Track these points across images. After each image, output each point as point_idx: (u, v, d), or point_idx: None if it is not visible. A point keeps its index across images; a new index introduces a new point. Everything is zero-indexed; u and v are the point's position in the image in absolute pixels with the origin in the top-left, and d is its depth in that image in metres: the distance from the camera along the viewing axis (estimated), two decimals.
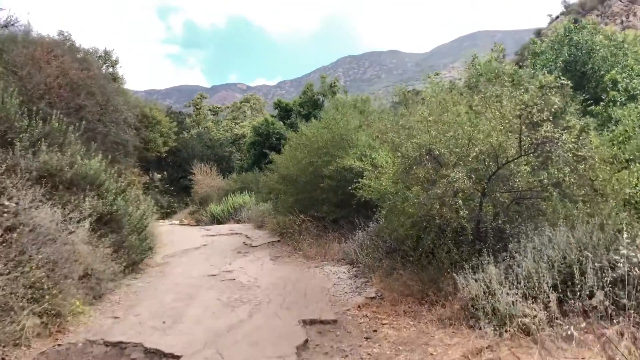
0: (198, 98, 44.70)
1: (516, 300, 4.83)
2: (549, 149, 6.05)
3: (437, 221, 6.02)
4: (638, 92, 10.68)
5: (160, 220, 26.72)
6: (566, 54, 12.21)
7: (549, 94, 6.34)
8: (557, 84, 7.97)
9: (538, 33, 48.76)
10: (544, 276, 4.90)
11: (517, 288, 4.98)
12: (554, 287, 4.83)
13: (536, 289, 4.86)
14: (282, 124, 32.18)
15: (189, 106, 44.73)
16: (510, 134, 6.23)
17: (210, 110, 48.40)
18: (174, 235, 15.79)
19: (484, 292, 5.21)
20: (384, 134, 7.30)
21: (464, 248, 6.44)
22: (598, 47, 12.41)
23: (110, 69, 17.14)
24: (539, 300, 4.79)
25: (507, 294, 4.91)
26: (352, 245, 9.08)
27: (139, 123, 17.33)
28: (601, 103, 10.64)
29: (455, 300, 5.58)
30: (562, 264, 5.12)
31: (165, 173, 36.18)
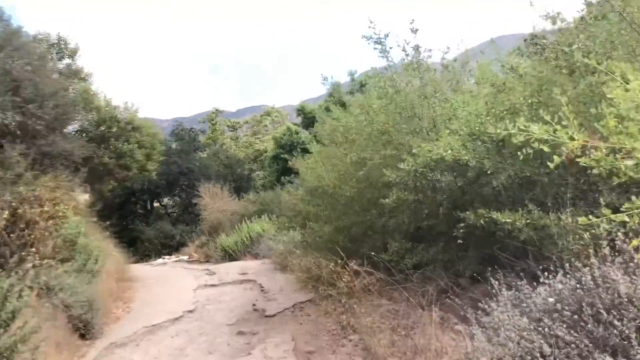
0: (213, 113, 40.00)
1: None
2: None
3: None
4: None
5: (166, 257, 21.91)
6: None
7: None
8: None
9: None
10: None
11: None
12: None
13: None
14: (307, 132, 27.15)
15: (203, 122, 40.06)
16: None
17: (228, 126, 43.71)
18: (157, 287, 10.72)
19: None
20: None
21: None
22: None
23: (67, 60, 12.43)
24: None
25: None
26: (492, 346, 3.70)
27: (104, 129, 12.32)
28: None
29: None
30: None
31: (177, 198, 31.45)
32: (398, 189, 5.75)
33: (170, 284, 11.26)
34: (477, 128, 4.99)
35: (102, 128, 12.14)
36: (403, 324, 4.94)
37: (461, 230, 5.04)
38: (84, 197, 32.32)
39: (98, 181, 14.00)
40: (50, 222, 6.37)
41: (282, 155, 25.29)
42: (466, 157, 4.70)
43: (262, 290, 9.06)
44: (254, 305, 7.84)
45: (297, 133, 28.27)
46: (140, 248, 26.29)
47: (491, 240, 5.60)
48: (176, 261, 19.91)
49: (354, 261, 7.05)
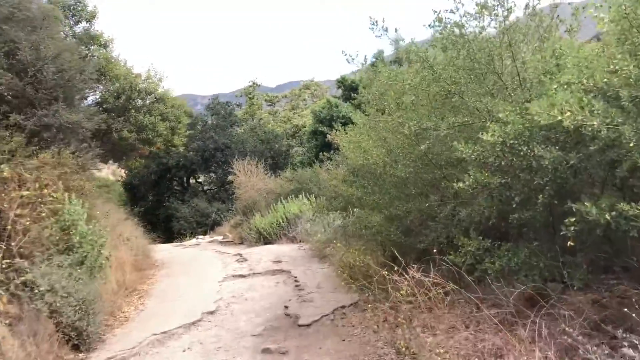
0: (250, 86, 38.69)
1: None
2: None
3: None
4: None
5: (200, 236, 21.00)
6: None
7: None
8: None
9: None
10: None
11: None
12: None
13: None
14: (348, 105, 25.50)
15: (240, 96, 38.84)
16: None
17: (265, 100, 42.43)
18: (181, 277, 9.58)
19: None
20: None
21: None
22: None
23: (84, 24, 11.22)
24: None
25: None
26: None
27: (123, 100, 11.04)
28: None
29: None
30: None
31: (213, 175, 30.50)
32: (476, 169, 4.21)
33: (195, 272, 10.09)
34: (604, 80, 3.38)
35: (122, 99, 10.96)
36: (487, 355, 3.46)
37: (572, 228, 3.49)
38: (115, 173, 31.88)
39: (122, 157, 12.90)
40: (29, 208, 5.17)
41: (321, 130, 23.89)
42: (594, 122, 3.11)
43: (297, 286, 7.73)
44: (285, 307, 6.50)
45: (337, 106, 26.65)
46: (175, 226, 25.58)
47: (605, 240, 4.07)
48: (210, 242, 18.93)
49: (409, 257, 5.62)
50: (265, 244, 14.66)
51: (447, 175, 5.49)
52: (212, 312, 6.70)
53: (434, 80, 4.96)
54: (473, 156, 4.22)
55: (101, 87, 11.63)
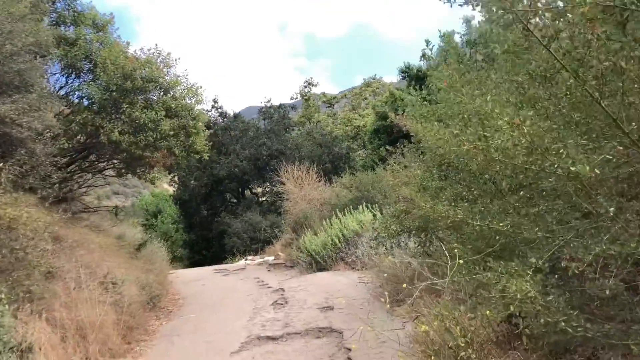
0: (306, 87, 35.66)
1: None
2: None
3: None
4: None
5: (249, 257, 18.14)
6: None
7: None
8: None
9: None
10: None
11: None
12: None
13: None
14: (414, 98, 21.84)
15: (296, 98, 35.87)
16: None
17: (324, 102, 39.22)
18: (182, 342, 6.55)
19: None
20: None
21: None
22: None
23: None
24: None
25: None
26: None
27: (114, 92, 8.01)
28: None
29: None
30: None
31: (267, 185, 27.63)
32: None
33: (211, 328, 7.03)
34: None
35: (114, 91, 8.02)
36: None
37: None
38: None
39: (134, 169, 10.10)
40: None
41: (382, 135, 20.50)
42: None
43: None
44: None
45: (402, 99, 23.09)
46: (227, 243, 22.86)
47: None
48: (259, 263, 16.01)
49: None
50: (319, 269, 11.48)
51: None
52: None
53: None
54: None
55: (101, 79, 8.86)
